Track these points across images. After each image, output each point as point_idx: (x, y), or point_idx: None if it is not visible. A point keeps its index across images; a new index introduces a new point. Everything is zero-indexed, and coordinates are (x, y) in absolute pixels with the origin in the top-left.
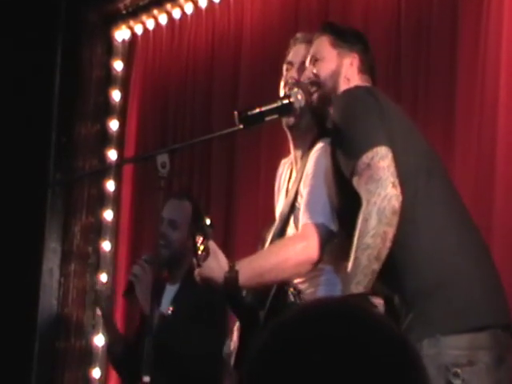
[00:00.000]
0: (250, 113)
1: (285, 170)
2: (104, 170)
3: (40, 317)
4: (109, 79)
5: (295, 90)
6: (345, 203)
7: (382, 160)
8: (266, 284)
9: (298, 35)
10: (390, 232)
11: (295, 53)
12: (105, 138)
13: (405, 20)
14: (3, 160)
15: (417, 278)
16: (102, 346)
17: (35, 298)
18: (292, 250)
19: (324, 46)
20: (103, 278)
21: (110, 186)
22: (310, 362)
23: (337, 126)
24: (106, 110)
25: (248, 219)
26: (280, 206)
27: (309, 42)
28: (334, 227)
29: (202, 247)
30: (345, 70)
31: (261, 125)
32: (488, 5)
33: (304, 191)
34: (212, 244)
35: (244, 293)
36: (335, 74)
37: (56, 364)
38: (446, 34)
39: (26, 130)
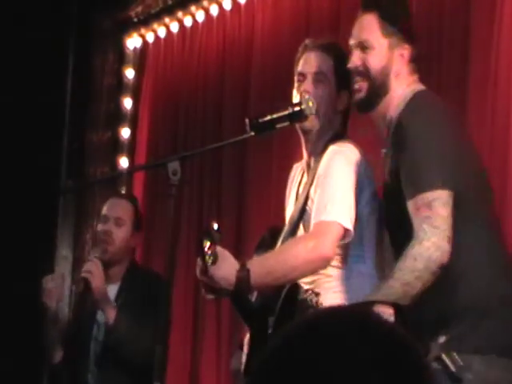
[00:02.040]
0: (261, 120)
1: (297, 174)
2: (115, 177)
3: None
4: (120, 87)
5: (306, 96)
6: (391, 200)
7: (443, 207)
8: (278, 283)
9: (308, 42)
10: (431, 281)
11: (306, 62)
12: (116, 146)
13: (416, 24)
14: (16, 167)
15: (475, 291)
16: None
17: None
18: (303, 247)
19: (373, 32)
20: None
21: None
22: (318, 371)
23: (409, 141)
24: (118, 117)
25: (259, 226)
26: (290, 209)
27: (320, 49)
28: (349, 225)
29: (209, 252)
30: (395, 64)
31: (272, 132)
32: (501, 7)
33: (316, 193)
34: (219, 248)
35: (253, 298)
36: (386, 69)
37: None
38: (458, 35)
39: (38, 137)
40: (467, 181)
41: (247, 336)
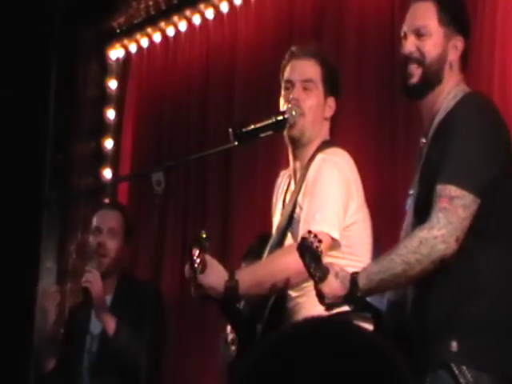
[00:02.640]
0: (244, 130)
1: (283, 182)
2: (99, 188)
3: (36, 336)
4: (103, 98)
5: (289, 105)
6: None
7: (463, 208)
8: (266, 293)
9: (294, 49)
10: (430, 269)
11: (294, 69)
12: (100, 157)
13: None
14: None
15: (501, 307)
16: None
17: (31, 318)
18: (292, 258)
19: (430, 19)
20: None
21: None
22: (299, 377)
23: (461, 131)
24: (101, 128)
25: (244, 234)
26: (277, 217)
27: (307, 56)
28: (336, 235)
29: (198, 260)
30: (450, 55)
31: (256, 141)
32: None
33: (305, 201)
34: (208, 257)
35: (241, 306)
36: (441, 59)
37: None
38: None
39: (21, 148)
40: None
41: (228, 327)
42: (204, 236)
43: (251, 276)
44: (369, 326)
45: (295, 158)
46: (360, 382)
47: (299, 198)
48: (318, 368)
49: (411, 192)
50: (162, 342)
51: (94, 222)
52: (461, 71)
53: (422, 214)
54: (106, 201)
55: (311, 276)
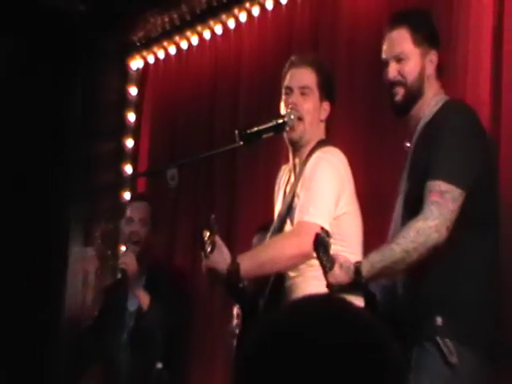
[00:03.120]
0: (248, 131)
1: (284, 174)
2: (121, 182)
3: (67, 310)
4: (124, 103)
5: (288, 110)
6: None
7: (452, 201)
8: (264, 274)
9: (293, 58)
10: (424, 256)
11: (292, 77)
12: (121, 155)
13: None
14: (34, 174)
15: (481, 287)
16: None
17: (62, 295)
18: (287, 244)
19: (406, 43)
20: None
21: (126, 196)
22: (297, 353)
23: (448, 133)
24: (122, 129)
25: (248, 227)
26: (278, 205)
27: (304, 64)
28: (327, 227)
29: (208, 241)
30: (427, 69)
31: (259, 142)
32: (456, 25)
33: (301, 193)
34: (217, 239)
35: (245, 283)
36: (420, 76)
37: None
38: None
39: (54, 148)
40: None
41: (236, 308)
42: (213, 220)
43: (252, 259)
44: (360, 303)
45: (295, 155)
46: (353, 352)
47: (298, 190)
48: (314, 341)
49: (400, 189)
50: (186, 323)
51: (128, 212)
52: (437, 80)
53: (411, 207)
54: (137, 193)
55: (322, 267)
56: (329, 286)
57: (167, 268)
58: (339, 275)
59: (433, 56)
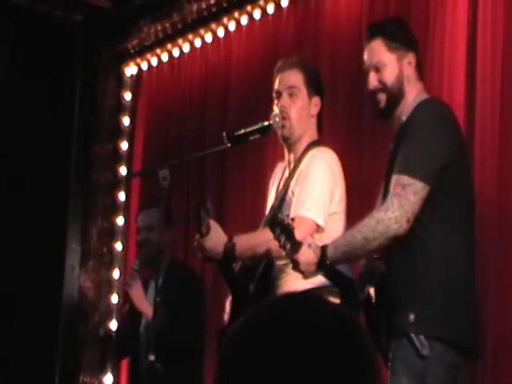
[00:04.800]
0: (236, 133)
1: (279, 171)
2: (116, 182)
3: (64, 306)
4: (120, 107)
5: (273, 113)
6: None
7: (414, 194)
8: (258, 257)
9: (280, 63)
10: (385, 246)
11: (280, 81)
12: (116, 156)
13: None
14: (33, 174)
15: (451, 284)
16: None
17: (59, 291)
18: None
19: (381, 52)
20: (116, 273)
21: (121, 196)
22: (277, 345)
23: (412, 132)
24: (118, 132)
25: (236, 222)
26: (271, 199)
27: (290, 66)
28: (321, 222)
29: (204, 223)
30: (406, 71)
31: (246, 143)
32: (433, 30)
33: (297, 189)
34: (212, 221)
35: (237, 268)
36: (399, 78)
37: (77, 344)
38: None
39: (52, 149)
40: (451, 181)
41: (229, 298)
42: (209, 201)
43: (246, 241)
44: (336, 300)
45: (289, 151)
46: (326, 349)
47: (291, 184)
48: (289, 338)
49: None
50: (201, 318)
51: (138, 221)
52: (418, 80)
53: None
54: (146, 199)
55: (281, 247)
56: (295, 265)
57: (183, 270)
58: (308, 253)
59: (411, 58)
